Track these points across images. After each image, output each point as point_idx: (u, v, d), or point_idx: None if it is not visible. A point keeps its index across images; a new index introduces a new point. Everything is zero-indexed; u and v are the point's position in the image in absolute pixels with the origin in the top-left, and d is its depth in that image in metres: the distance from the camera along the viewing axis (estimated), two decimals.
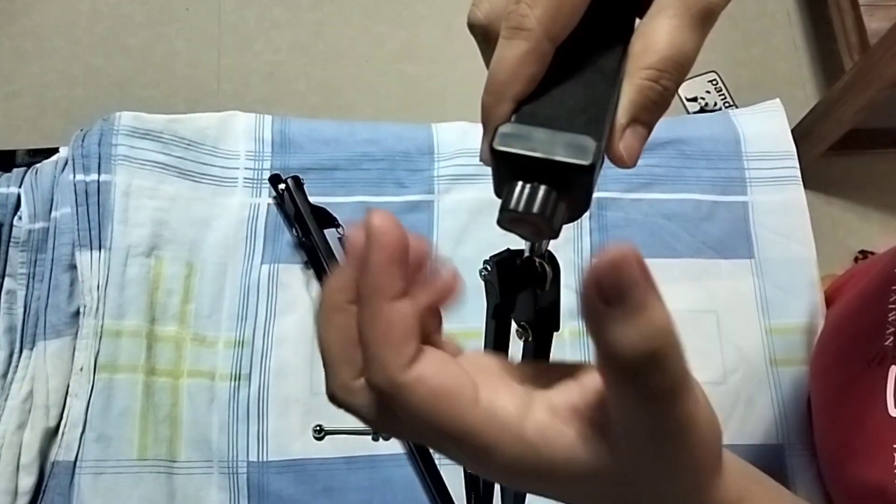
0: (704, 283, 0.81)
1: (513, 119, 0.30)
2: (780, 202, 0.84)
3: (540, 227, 0.29)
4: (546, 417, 0.29)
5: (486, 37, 0.31)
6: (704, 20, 0.30)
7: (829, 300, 0.81)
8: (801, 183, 0.85)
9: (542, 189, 0.28)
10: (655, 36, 0.30)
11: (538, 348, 0.41)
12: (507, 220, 0.29)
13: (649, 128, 0.31)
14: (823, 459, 0.73)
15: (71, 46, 1.64)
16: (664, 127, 0.87)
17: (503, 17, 0.29)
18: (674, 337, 0.27)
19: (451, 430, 0.27)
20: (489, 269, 0.38)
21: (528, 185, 0.28)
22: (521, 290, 0.38)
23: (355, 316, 0.28)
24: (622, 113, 0.30)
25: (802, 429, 0.77)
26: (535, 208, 0.28)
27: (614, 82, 0.31)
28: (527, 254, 0.38)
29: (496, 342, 0.44)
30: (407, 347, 0.27)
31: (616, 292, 0.26)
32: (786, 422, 0.77)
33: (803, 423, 0.77)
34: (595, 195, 0.81)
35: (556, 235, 0.29)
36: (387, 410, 0.29)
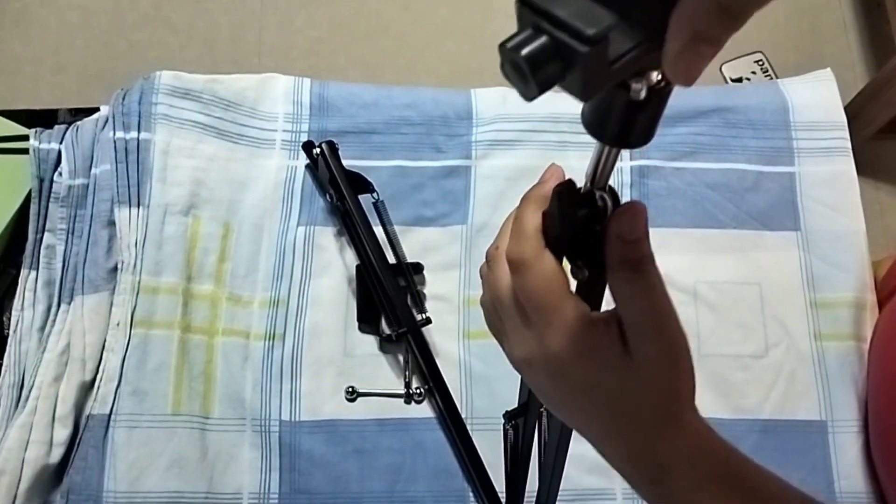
0: (748, 254, 0.79)
1: None
2: (829, 174, 0.82)
3: (525, 77, 0.27)
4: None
5: None
6: None
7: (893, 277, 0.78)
8: (852, 155, 0.83)
9: (543, 39, 0.27)
10: None
11: (592, 286, 0.38)
12: (502, 57, 0.28)
13: (714, 44, 0.26)
14: (879, 439, 0.70)
15: (115, 21, 1.66)
16: (709, 95, 0.85)
17: None
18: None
19: (547, 306, 0.35)
20: (551, 200, 0.37)
21: (531, 31, 0.27)
22: (580, 224, 0.36)
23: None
24: (683, 21, 0.26)
25: (847, 406, 0.74)
26: (524, 52, 0.27)
27: None
28: (588, 186, 0.36)
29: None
30: (542, 241, 0.36)
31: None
32: (829, 398, 0.74)
33: (848, 401, 0.74)
34: (636, 163, 0.81)
35: (534, 95, 0.28)
36: (502, 284, 0.37)
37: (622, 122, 0.32)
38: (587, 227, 0.36)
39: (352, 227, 0.77)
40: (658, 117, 0.32)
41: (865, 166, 1.50)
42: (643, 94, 0.30)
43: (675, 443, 0.37)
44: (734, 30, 0.26)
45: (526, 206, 0.37)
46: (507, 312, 0.38)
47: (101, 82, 1.56)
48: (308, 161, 0.81)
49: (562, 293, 0.35)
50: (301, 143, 0.82)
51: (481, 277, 0.41)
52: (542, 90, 0.28)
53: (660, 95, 0.30)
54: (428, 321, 0.75)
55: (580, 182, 0.36)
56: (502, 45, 0.27)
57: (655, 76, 0.30)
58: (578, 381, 0.36)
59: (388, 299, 0.74)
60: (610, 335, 0.35)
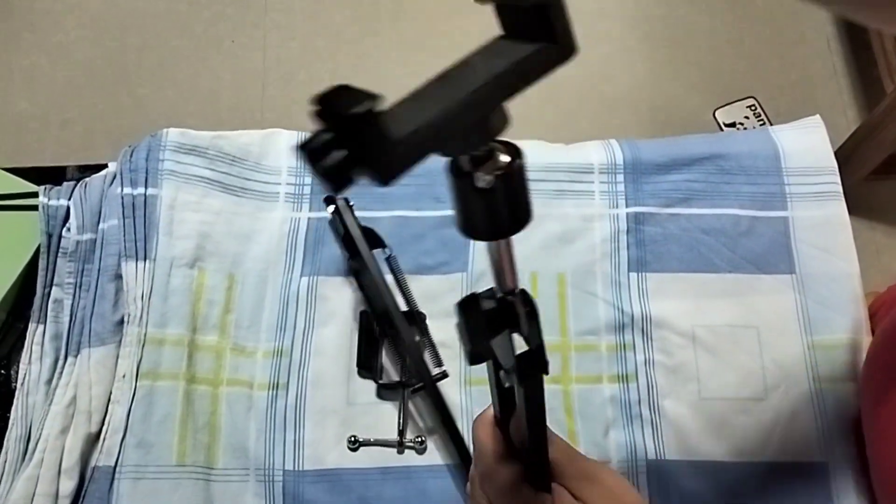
0: (745, 298, 0.80)
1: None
2: (821, 217, 0.83)
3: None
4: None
5: None
6: None
7: (874, 315, 0.79)
8: (843, 198, 0.84)
9: (326, 136, 0.26)
10: None
11: (528, 394, 0.40)
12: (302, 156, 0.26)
13: None
14: (878, 478, 0.71)
15: (121, 77, 1.70)
16: (702, 142, 0.87)
17: None
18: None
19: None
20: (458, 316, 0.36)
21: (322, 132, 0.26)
22: (494, 334, 0.37)
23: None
24: None
25: (848, 447, 0.74)
26: (309, 145, 0.26)
27: None
28: (498, 294, 0.36)
29: (498, 389, 0.44)
30: (497, 456, 0.46)
31: None
32: (830, 440, 0.75)
33: (849, 442, 0.75)
34: (632, 210, 0.83)
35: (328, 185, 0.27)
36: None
37: (487, 213, 0.31)
38: (499, 332, 0.36)
39: (368, 282, 0.77)
40: (522, 195, 0.32)
41: (860, 207, 1.53)
42: (490, 181, 0.30)
43: None
44: None
45: (477, 430, 0.47)
46: None
47: (107, 138, 1.59)
48: (331, 213, 0.81)
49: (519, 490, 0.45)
50: (305, 195, 0.83)
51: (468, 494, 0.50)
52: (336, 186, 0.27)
53: (508, 177, 0.30)
54: (444, 375, 0.76)
55: None
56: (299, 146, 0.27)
57: (502, 158, 0.30)
58: None
59: (409, 353, 0.74)
60: None
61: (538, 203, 0.83)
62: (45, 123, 1.63)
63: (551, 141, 0.89)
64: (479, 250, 0.82)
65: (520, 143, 0.32)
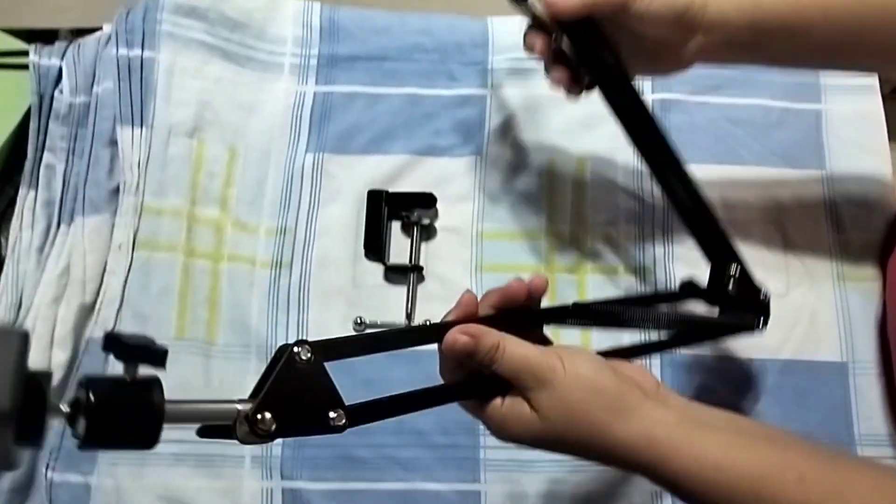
0: (771, 192, 0.77)
1: None
2: (856, 112, 0.79)
3: None
4: None
5: None
6: None
7: None
8: (880, 93, 0.80)
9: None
10: None
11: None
12: None
13: None
14: None
15: None
16: None
17: None
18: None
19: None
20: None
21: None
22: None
23: None
24: None
25: (869, 348, 0.72)
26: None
27: None
28: None
29: None
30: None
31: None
32: (851, 340, 0.72)
33: (870, 342, 0.72)
34: (658, 96, 0.78)
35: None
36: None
37: None
38: None
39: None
40: None
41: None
42: None
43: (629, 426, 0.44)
44: None
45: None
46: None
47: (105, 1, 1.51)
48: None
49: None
50: (311, 66, 0.79)
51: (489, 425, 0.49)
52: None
53: None
54: None
55: None
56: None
57: None
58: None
59: None
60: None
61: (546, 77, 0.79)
62: None
63: None
64: (494, 131, 0.78)
65: None
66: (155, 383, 0.36)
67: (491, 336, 0.46)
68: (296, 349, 0.42)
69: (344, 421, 0.42)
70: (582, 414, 0.44)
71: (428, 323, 0.71)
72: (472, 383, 0.49)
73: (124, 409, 0.35)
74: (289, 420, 0.40)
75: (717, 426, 0.45)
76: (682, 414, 0.46)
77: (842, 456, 0.43)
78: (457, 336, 0.47)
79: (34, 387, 0.31)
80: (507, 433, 0.47)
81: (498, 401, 0.47)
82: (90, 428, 0.33)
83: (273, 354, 0.44)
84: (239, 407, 0.40)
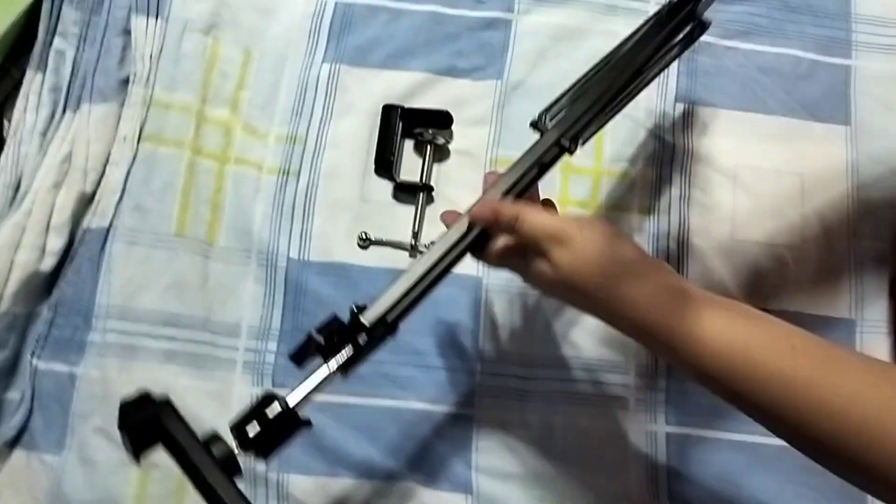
0: (794, 144, 0.75)
1: None
2: (886, 71, 0.77)
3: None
4: None
5: None
6: None
7: None
8: None
9: None
10: None
11: None
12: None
13: None
14: None
15: None
16: None
17: None
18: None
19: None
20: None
21: None
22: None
23: None
24: None
25: (878, 306, 0.71)
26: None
27: None
28: None
29: None
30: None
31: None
32: (861, 297, 0.71)
33: (880, 301, 0.71)
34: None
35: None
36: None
37: None
38: None
39: None
40: None
41: None
42: None
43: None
44: None
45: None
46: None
47: None
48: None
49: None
50: None
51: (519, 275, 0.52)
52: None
53: None
54: None
55: None
56: None
57: None
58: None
59: None
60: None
61: (585, 15, 0.77)
62: None
63: None
64: (517, 57, 0.76)
65: None
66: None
67: (509, 208, 0.49)
68: None
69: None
70: (596, 267, 0.46)
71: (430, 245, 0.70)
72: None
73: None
74: None
75: (723, 304, 0.47)
76: (690, 287, 0.47)
77: (834, 343, 0.43)
78: (480, 210, 0.51)
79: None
80: (530, 281, 0.51)
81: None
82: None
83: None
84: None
